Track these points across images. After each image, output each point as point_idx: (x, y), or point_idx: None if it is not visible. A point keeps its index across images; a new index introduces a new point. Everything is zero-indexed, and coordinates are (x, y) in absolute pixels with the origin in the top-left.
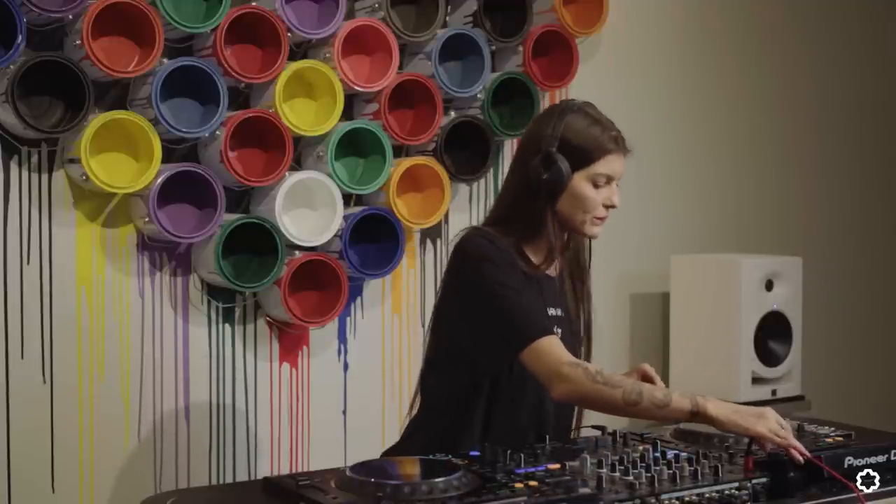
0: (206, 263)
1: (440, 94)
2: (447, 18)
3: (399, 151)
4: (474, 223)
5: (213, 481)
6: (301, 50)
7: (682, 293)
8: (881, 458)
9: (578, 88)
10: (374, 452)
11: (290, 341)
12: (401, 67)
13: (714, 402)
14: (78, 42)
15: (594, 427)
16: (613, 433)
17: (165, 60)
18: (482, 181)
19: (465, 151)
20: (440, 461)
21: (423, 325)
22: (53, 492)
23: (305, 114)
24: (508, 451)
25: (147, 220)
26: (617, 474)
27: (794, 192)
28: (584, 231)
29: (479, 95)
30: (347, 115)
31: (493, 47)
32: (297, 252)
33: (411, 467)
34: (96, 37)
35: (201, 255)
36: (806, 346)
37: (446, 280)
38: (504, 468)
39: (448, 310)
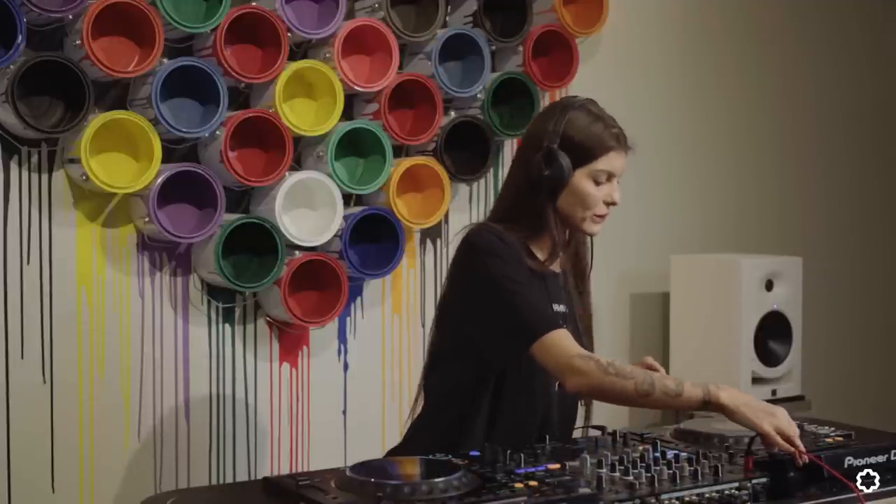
0: (206, 263)
1: (440, 94)
2: (447, 18)
3: (399, 151)
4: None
5: (213, 481)
6: (301, 50)
7: (682, 293)
8: (881, 458)
9: (578, 88)
10: (374, 452)
11: (290, 341)
12: (401, 67)
13: (728, 390)
14: (78, 42)
15: (594, 427)
16: (613, 433)
17: (165, 60)
18: (482, 181)
19: (465, 151)
20: (440, 461)
21: (423, 325)
22: (53, 492)
23: (305, 114)
24: (508, 451)
25: (147, 220)
26: (617, 474)
27: (794, 192)
28: (584, 228)
29: (479, 95)
30: (347, 115)
31: (493, 47)
32: (297, 252)
33: (411, 467)
34: (96, 37)
35: (201, 255)
36: (806, 346)
37: (452, 274)
38: (504, 468)
39: (454, 305)
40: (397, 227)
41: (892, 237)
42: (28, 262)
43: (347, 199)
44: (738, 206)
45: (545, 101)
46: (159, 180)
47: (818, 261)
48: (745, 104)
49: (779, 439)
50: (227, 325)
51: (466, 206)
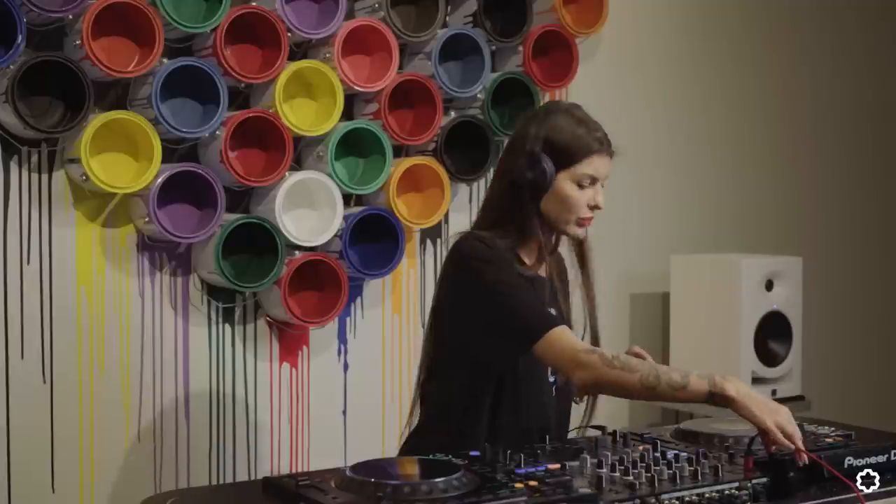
0: (206, 263)
1: (440, 94)
2: (447, 18)
3: (399, 151)
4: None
5: (213, 481)
6: (301, 50)
7: (682, 293)
8: (881, 458)
9: (578, 88)
10: (374, 452)
11: (290, 341)
12: (401, 67)
13: (735, 382)
14: (78, 42)
15: (594, 427)
16: (613, 433)
17: (165, 60)
18: (482, 181)
19: (465, 151)
20: (440, 461)
21: (424, 326)
22: (53, 492)
23: (305, 114)
24: (508, 451)
25: (147, 220)
26: (617, 474)
27: (794, 192)
28: (568, 232)
29: (479, 95)
30: (347, 115)
31: (493, 47)
32: (297, 252)
33: (411, 467)
34: (96, 37)
35: (201, 255)
36: (806, 346)
37: (444, 285)
38: (504, 468)
39: (448, 314)
40: (397, 227)
41: (892, 237)
42: (28, 262)
43: (347, 199)
44: (738, 206)
45: (545, 101)
46: (159, 180)
47: (818, 261)
48: (744, 104)
49: (780, 436)
50: (227, 325)
51: (466, 206)
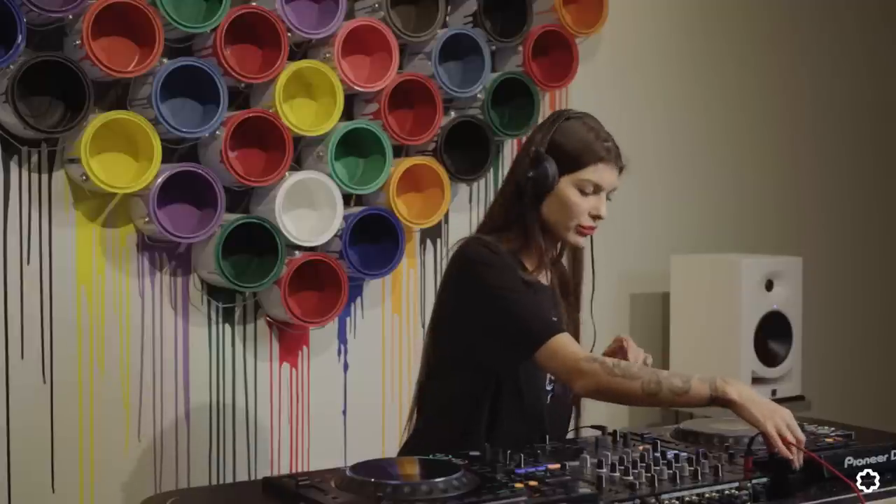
0: (206, 263)
1: (440, 94)
2: (447, 18)
3: (399, 151)
4: (474, 223)
5: (213, 481)
6: (301, 50)
7: (682, 293)
8: (881, 458)
9: (578, 88)
10: (374, 452)
11: (290, 341)
12: (401, 67)
13: (736, 385)
14: (78, 42)
15: (594, 427)
16: (613, 433)
17: (165, 60)
18: (482, 181)
19: (465, 151)
20: (440, 461)
21: (424, 325)
22: (53, 492)
23: (305, 114)
24: (508, 451)
25: (147, 220)
26: (617, 474)
27: (794, 192)
28: (568, 239)
29: (479, 95)
30: (347, 115)
31: (493, 47)
32: (297, 252)
33: (411, 467)
34: (96, 37)
35: (201, 255)
36: (806, 346)
37: (447, 287)
38: (504, 468)
39: (451, 318)
40: (397, 227)
41: (892, 237)
42: (28, 262)
43: (347, 199)
44: (738, 206)
45: (545, 101)
46: (159, 180)
47: (818, 261)
48: (744, 104)
49: (779, 442)
50: (227, 325)
51: (466, 206)
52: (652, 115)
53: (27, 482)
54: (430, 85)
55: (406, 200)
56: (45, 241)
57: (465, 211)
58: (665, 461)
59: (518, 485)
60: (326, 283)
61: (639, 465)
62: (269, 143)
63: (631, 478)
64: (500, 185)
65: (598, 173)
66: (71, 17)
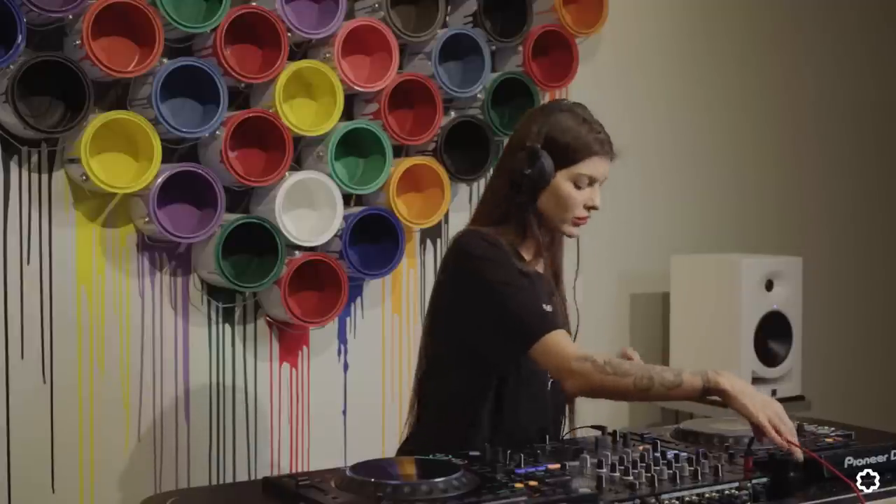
0: (206, 263)
1: (440, 94)
2: (447, 18)
3: (399, 151)
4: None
5: (213, 481)
6: (301, 50)
7: (682, 293)
8: (881, 458)
9: (578, 88)
10: (374, 452)
11: (290, 341)
12: (401, 67)
13: (728, 376)
14: (78, 42)
15: (594, 427)
16: (613, 433)
17: (165, 60)
18: (482, 181)
19: (465, 151)
20: (440, 461)
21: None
22: (53, 492)
23: (305, 114)
24: (508, 451)
25: (147, 220)
26: (617, 474)
27: (794, 192)
28: (563, 231)
29: (479, 95)
30: (347, 115)
31: (493, 47)
32: (297, 252)
33: (411, 467)
34: (96, 37)
35: (201, 255)
36: (806, 346)
37: (444, 281)
38: (504, 468)
39: (449, 312)
40: (397, 227)
41: (892, 237)
42: (28, 262)
43: (347, 199)
44: (738, 206)
45: (545, 101)
46: (159, 180)
47: (818, 261)
48: (745, 104)
49: (772, 432)
50: (227, 325)
51: (466, 206)
52: (652, 115)
53: (27, 483)
54: (430, 85)
55: (406, 200)
56: (45, 241)
57: (465, 211)
58: (665, 461)
59: (518, 485)
60: (326, 283)
61: (639, 465)
62: (269, 143)
63: (631, 478)
64: (490, 179)
65: (593, 166)
66: (71, 17)
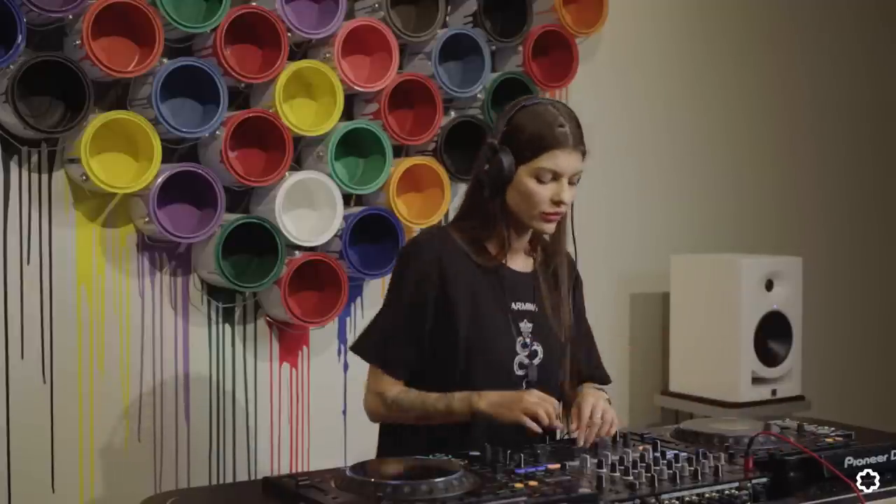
0: (206, 263)
1: (440, 94)
2: (447, 18)
3: (399, 151)
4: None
5: (213, 481)
6: (301, 50)
7: (682, 293)
8: (881, 458)
9: (578, 88)
10: (374, 452)
11: (290, 341)
12: (401, 67)
13: (487, 397)
14: (78, 42)
15: None
16: (613, 433)
17: (165, 60)
18: None
19: (465, 151)
20: (440, 461)
21: None
22: (53, 492)
23: (305, 114)
24: (508, 451)
25: (147, 220)
26: (617, 474)
27: (793, 192)
28: (534, 227)
29: (479, 95)
30: (347, 115)
31: (493, 47)
32: (297, 252)
33: (411, 467)
34: (96, 37)
35: (201, 255)
36: (806, 346)
37: None
38: (504, 468)
39: None
40: (397, 227)
41: (892, 237)
42: (28, 262)
43: (347, 199)
44: (738, 206)
45: None
46: (159, 180)
47: (818, 261)
48: (744, 104)
49: (531, 423)
50: (227, 325)
51: None
52: (651, 115)
53: (27, 482)
54: (430, 85)
55: (406, 200)
56: (45, 241)
57: None
58: (665, 461)
59: (518, 485)
60: (326, 283)
61: (639, 465)
62: (269, 143)
63: (631, 478)
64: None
65: (554, 160)
66: (71, 17)
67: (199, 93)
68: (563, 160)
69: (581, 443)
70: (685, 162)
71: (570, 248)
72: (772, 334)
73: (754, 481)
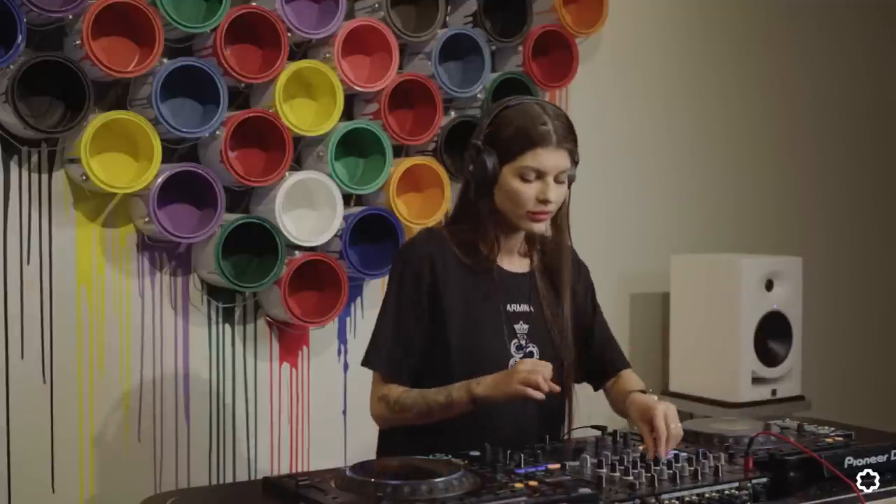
0: (206, 263)
1: (440, 94)
2: (447, 18)
3: (399, 151)
4: None
5: (213, 481)
6: (301, 50)
7: (682, 293)
8: (881, 458)
9: (578, 88)
10: (374, 452)
11: (290, 341)
12: (401, 67)
13: (483, 381)
14: (78, 42)
15: (594, 427)
16: (613, 433)
17: (165, 60)
18: None
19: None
20: (440, 461)
21: None
22: (53, 492)
23: (305, 114)
24: (508, 451)
25: (147, 220)
26: (617, 474)
27: (793, 192)
28: (522, 226)
29: (479, 95)
30: (347, 115)
31: (493, 47)
32: (297, 252)
33: (411, 467)
34: (96, 37)
35: (201, 255)
36: (806, 346)
37: None
38: (504, 468)
39: None
40: (397, 227)
41: (892, 237)
42: (28, 262)
43: (347, 199)
44: (738, 206)
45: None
46: (159, 180)
47: (818, 261)
48: (744, 104)
49: (531, 392)
50: (227, 325)
51: None
52: (651, 114)
53: (27, 482)
54: (430, 85)
55: (406, 200)
56: (45, 241)
57: None
58: (665, 461)
59: (518, 485)
60: (326, 283)
61: (639, 465)
62: (269, 143)
63: (631, 478)
64: None
65: (537, 159)
66: (71, 17)
67: (199, 93)
68: (545, 158)
69: (660, 456)
70: (685, 162)
71: None
72: (772, 334)
73: (754, 481)
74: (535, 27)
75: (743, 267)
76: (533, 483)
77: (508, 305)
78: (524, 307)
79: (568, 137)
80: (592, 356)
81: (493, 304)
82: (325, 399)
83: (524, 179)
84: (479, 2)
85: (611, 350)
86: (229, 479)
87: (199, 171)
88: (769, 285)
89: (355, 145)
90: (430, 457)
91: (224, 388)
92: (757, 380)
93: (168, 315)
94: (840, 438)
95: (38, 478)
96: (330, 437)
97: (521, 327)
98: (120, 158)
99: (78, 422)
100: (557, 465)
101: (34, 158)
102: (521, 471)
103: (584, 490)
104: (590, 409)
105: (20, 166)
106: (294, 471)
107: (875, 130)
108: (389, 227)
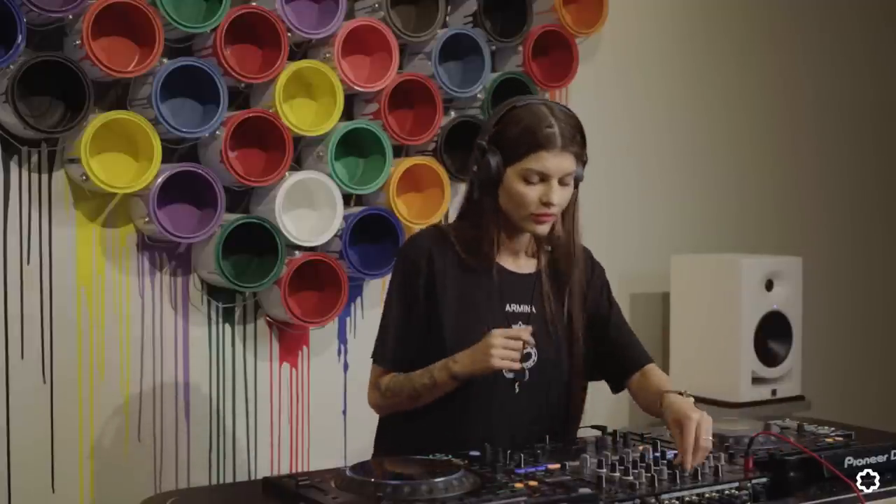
0: (206, 263)
1: (440, 94)
2: (447, 18)
3: (399, 151)
4: None
5: (213, 481)
6: (301, 50)
7: (682, 293)
8: (881, 458)
9: (578, 88)
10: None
11: (290, 341)
12: (401, 67)
13: (460, 359)
14: (78, 42)
15: (594, 427)
16: (613, 433)
17: (165, 60)
18: None
19: (465, 151)
20: (440, 461)
21: None
22: (53, 492)
23: (305, 114)
24: (508, 451)
25: (147, 220)
26: (617, 474)
27: (793, 192)
28: (525, 228)
29: (479, 95)
30: (347, 115)
31: (493, 47)
32: (297, 252)
33: (411, 467)
34: (96, 37)
35: (201, 255)
36: (806, 346)
37: None
38: (504, 468)
39: None
40: (397, 227)
41: (892, 237)
42: (28, 262)
43: (347, 199)
44: (738, 206)
45: None
46: (159, 180)
47: (818, 261)
48: (744, 104)
49: (509, 364)
50: (227, 325)
51: None
52: (652, 115)
53: (27, 482)
54: (430, 85)
55: (406, 200)
56: (45, 241)
57: None
58: (665, 461)
59: (518, 485)
60: (326, 283)
61: (639, 465)
62: (269, 143)
63: (631, 478)
64: None
65: (541, 161)
66: (71, 17)
67: (199, 93)
68: (549, 161)
69: (688, 467)
70: (686, 162)
71: None
72: (772, 334)
73: (754, 481)
74: (535, 27)
75: (743, 267)
76: (533, 483)
77: (508, 305)
78: (525, 308)
79: (574, 140)
80: (610, 354)
81: (492, 305)
82: (325, 399)
83: (527, 181)
84: (479, 2)
85: (630, 347)
86: (229, 480)
87: (199, 171)
88: (769, 285)
89: (355, 145)
90: (431, 457)
91: (224, 388)
92: (757, 380)
93: (168, 315)
94: (840, 438)
95: (38, 478)
96: (330, 437)
97: (518, 326)
98: (120, 158)
99: (78, 422)
100: (557, 465)
101: (34, 158)
102: (521, 471)
103: (584, 490)
104: (590, 408)
105: (20, 166)
106: (294, 471)
107: (877, 131)
108: (389, 228)
